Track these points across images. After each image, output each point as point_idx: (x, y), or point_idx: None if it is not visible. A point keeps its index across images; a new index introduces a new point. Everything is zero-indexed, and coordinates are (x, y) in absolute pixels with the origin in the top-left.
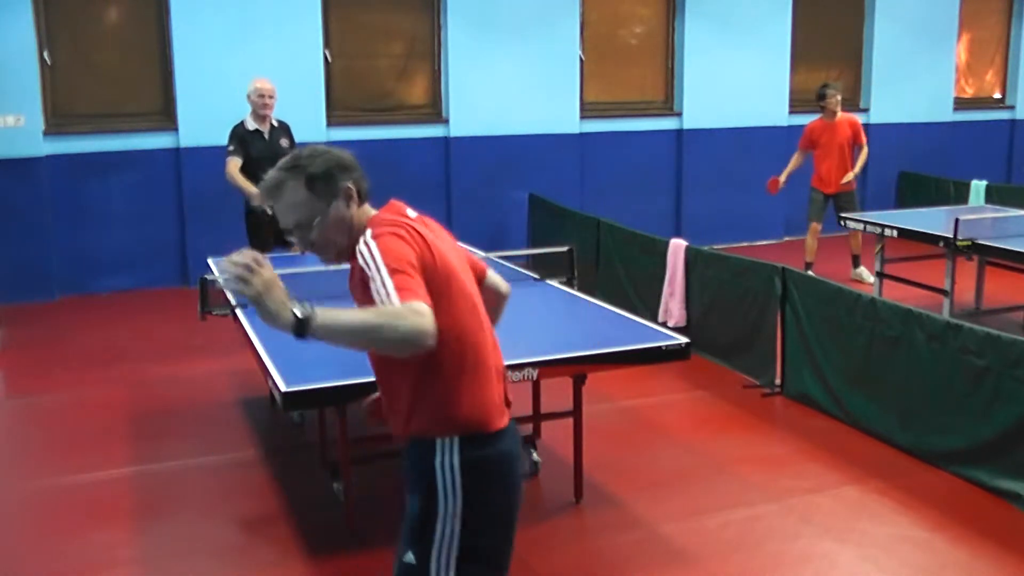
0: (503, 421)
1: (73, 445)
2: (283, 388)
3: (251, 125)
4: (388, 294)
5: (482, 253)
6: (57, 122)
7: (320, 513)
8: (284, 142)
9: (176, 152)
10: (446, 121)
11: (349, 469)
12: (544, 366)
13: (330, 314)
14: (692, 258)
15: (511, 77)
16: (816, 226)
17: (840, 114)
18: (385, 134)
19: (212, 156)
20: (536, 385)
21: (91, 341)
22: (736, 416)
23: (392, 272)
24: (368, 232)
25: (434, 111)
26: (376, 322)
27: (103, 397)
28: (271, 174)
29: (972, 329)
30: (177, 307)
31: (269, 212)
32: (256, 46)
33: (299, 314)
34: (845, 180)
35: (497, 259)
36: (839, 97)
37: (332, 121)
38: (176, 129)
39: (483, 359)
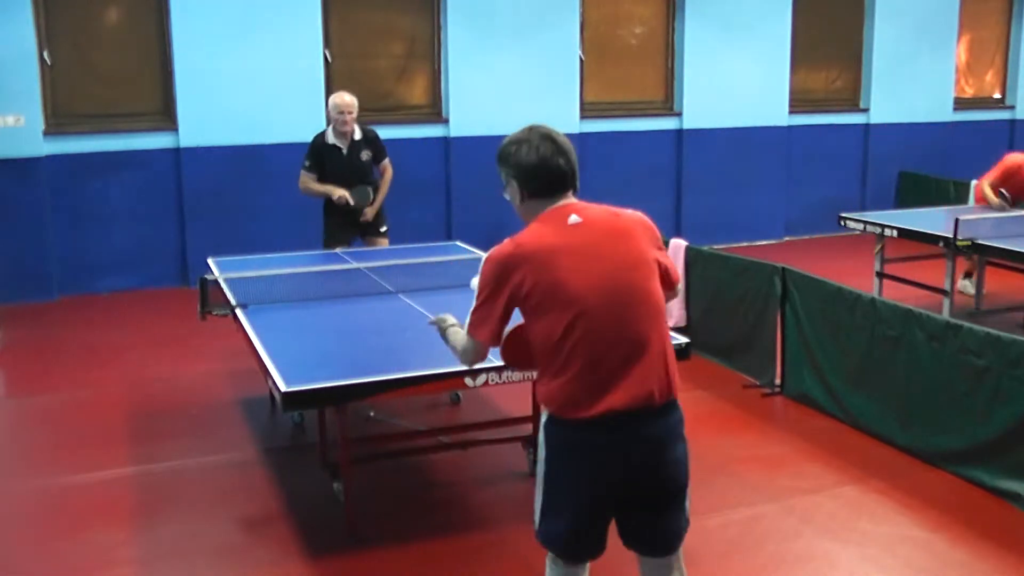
0: (586, 414)
1: (73, 445)
2: (283, 388)
3: (330, 139)
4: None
5: (482, 253)
6: (57, 122)
7: (320, 513)
8: (365, 155)
9: (176, 152)
10: (446, 121)
11: (349, 469)
12: None
13: (450, 332)
14: (692, 258)
15: (511, 77)
16: None
17: None
18: (385, 134)
19: (212, 156)
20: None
21: (91, 341)
22: (736, 416)
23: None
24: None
25: (434, 111)
26: (452, 349)
27: (103, 397)
28: None
29: (972, 329)
30: (177, 307)
31: (351, 203)
32: (256, 46)
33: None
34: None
35: None
36: None
37: None
38: (176, 129)
39: (576, 361)
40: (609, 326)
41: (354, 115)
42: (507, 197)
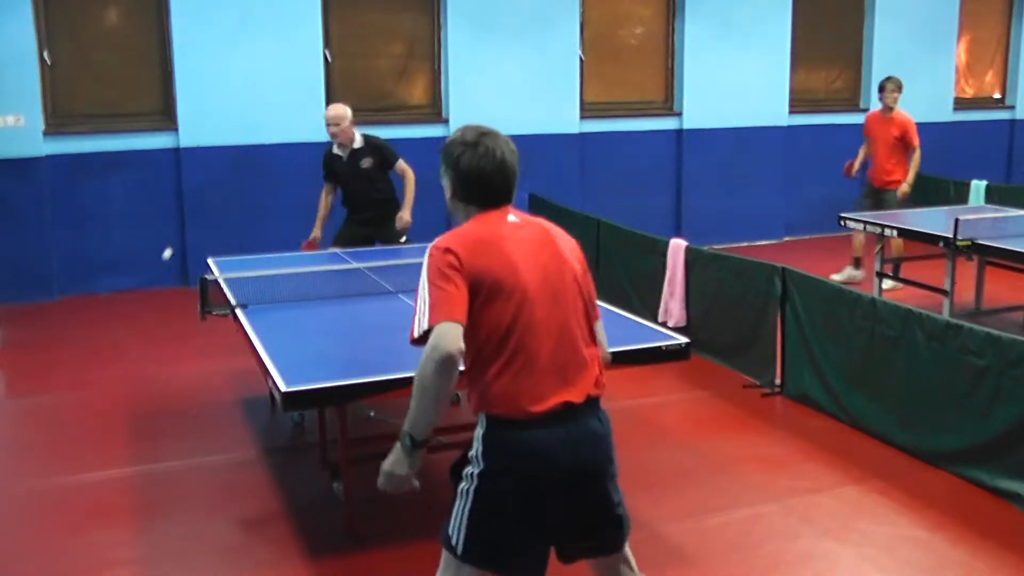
0: (537, 408)
1: (73, 445)
2: (283, 388)
3: (335, 148)
4: (423, 311)
5: None
6: (57, 122)
7: (320, 513)
8: (366, 162)
9: (176, 152)
10: (446, 121)
11: (349, 469)
12: None
13: (408, 419)
14: (692, 258)
15: (511, 77)
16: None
17: (896, 111)
18: (385, 134)
19: (212, 156)
20: None
21: (91, 341)
22: (736, 416)
23: (431, 285)
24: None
25: (434, 111)
26: (417, 390)
27: (103, 397)
28: None
29: (972, 329)
30: (177, 307)
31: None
32: (256, 46)
33: (409, 442)
34: (900, 191)
35: None
36: (896, 95)
37: None
38: (176, 129)
39: (522, 353)
40: (550, 317)
41: (341, 126)
42: (443, 183)
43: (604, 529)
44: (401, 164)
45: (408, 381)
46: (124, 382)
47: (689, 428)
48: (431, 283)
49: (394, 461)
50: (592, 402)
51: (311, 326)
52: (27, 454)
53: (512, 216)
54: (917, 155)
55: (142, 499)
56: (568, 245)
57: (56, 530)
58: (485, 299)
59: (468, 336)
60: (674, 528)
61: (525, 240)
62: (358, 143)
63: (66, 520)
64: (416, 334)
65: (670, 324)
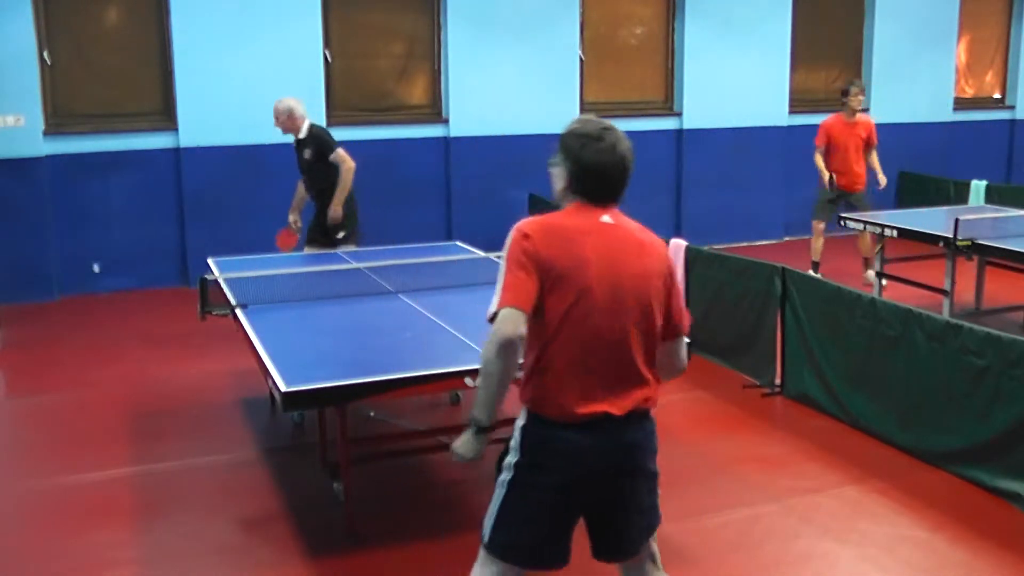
0: (577, 410)
1: (73, 445)
2: (283, 388)
3: (293, 140)
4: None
5: (482, 253)
6: (57, 122)
7: (320, 513)
8: (307, 153)
9: (176, 152)
10: (446, 121)
11: (349, 469)
12: None
13: (476, 403)
14: (692, 258)
15: (511, 77)
16: (818, 225)
17: (859, 113)
18: (385, 134)
19: (212, 156)
20: None
21: (91, 341)
22: (736, 416)
23: (507, 270)
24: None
25: (434, 111)
26: (482, 373)
27: (103, 397)
28: None
29: (972, 329)
30: (177, 307)
31: (297, 225)
32: (256, 46)
33: (475, 426)
34: (883, 184)
35: (497, 259)
36: (862, 97)
37: (332, 121)
38: (176, 129)
39: (568, 352)
40: (609, 325)
41: (280, 119)
42: (551, 172)
43: (628, 531)
44: (338, 154)
45: (408, 381)
46: (124, 382)
47: (689, 428)
48: (507, 266)
49: (462, 443)
50: (636, 414)
51: (311, 326)
52: (27, 454)
53: (607, 216)
54: (876, 153)
55: (142, 499)
56: (656, 259)
57: (56, 530)
58: (548, 289)
59: (531, 324)
60: (674, 528)
61: (609, 243)
62: (303, 134)
63: (66, 520)
64: (488, 315)
65: None
